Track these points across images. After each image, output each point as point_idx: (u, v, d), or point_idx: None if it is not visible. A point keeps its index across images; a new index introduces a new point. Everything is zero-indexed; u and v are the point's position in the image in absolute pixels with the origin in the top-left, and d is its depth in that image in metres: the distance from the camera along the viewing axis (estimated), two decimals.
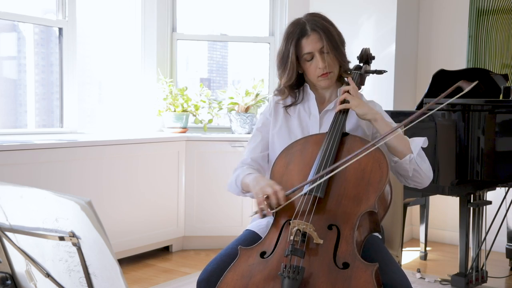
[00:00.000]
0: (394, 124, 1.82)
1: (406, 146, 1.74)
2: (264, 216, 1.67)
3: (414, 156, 1.71)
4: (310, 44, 1.81)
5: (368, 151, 1.62)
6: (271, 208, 1.63)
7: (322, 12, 1.89)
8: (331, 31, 1.82)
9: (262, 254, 1.57)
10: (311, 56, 1.82)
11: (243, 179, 1.82)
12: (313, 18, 1.84)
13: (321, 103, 1.93)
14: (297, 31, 1.82)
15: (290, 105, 1.93)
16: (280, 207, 1.62)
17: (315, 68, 1.83)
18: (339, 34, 1.86)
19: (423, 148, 1.77)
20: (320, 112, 1.90)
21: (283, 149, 1.81)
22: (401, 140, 1.74)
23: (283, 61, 1.86)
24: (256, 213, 1.67)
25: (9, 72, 3.78)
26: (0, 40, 3.71)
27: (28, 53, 3.74)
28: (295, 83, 1.90)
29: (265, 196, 1.62)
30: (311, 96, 1.92)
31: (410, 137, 1.80)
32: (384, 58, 3.95)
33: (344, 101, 1.80)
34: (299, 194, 1.64)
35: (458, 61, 4.08)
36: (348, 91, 1.80)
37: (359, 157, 1.61)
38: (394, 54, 3.96)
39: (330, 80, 1.86)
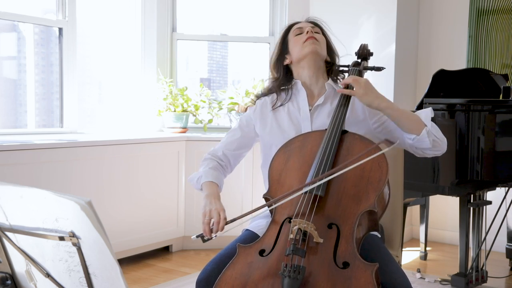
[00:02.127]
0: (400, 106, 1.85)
1: (418, 121, 1.74)
2: (204, 240, 1.66)
3: (430, 128, 1.73)
4: (301, 24, 1.94)
5: (368, 157, 1.61)
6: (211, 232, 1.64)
7: (322, 20, 2.00)
8: (323, 26, 1.95)
9: (261, 252, 1.57)
10: (300, 30, 1.91)
11: (204, 184, 1.84)
12: (310, 17, 2.00)
13: (311, 99, 1.91)
14: (291, 23, 1.98)
15: (279, 106, 1.93)
16: (215, 235, 1.64)
17: (302, 37, 1.88)
18: (330, 39, 1.96)
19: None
20: (311, 107, 1.89)
21: (282, 146, 1.79)
22: (411, 117, 1.76)
23: (276, 49, 1.98)
24: (199, 236, 1.66)
25: (9, 72, 3.77)
26: (0, 40, 3.71)
27: (28, 53, 3.73)
28: (283, 80, 1.94)
29: (211, 220, 1.66)
30: (301, 91, 1.91)
31: None
32: (384, 58, 3.95)
33: (348, 86, 1.79)
34: (299, 193, 1.62)
35: (458, 61, 4.08)
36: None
37: (360, 162, 1.60)
38: (394, 54, 3.96)
39: (315, 46, 1.87)
